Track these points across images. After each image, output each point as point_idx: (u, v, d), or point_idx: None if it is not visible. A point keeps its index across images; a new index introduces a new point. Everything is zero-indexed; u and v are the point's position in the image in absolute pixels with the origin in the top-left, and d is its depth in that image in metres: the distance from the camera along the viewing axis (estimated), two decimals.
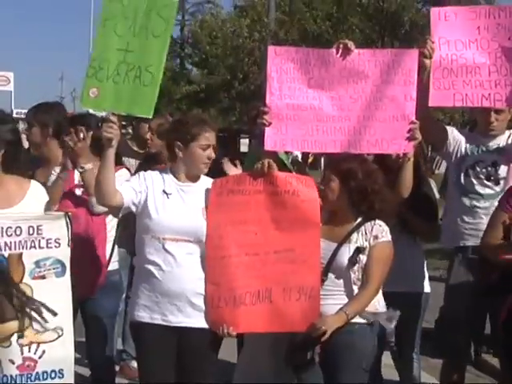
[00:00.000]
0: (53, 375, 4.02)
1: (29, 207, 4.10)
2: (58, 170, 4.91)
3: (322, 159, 4.74)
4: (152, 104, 4.17)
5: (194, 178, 4.32)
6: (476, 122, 5.55)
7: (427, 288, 5.39)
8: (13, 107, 29.28)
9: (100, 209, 4.53)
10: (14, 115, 16.70)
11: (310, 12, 16.99)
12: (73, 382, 4.08)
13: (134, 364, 5.48)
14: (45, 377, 4.00)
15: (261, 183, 4.29)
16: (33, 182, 4.28)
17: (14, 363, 3.92)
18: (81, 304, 5.01)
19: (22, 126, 6.68)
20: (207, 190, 4.31)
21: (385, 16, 16.49)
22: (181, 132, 4.30)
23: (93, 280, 4.90)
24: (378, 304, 4.36)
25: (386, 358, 5.61)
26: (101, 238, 4.91)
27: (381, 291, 4.38)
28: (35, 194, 4.19)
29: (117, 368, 5.63)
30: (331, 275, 4.28)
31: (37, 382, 3.96)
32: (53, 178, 4.97)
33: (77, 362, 5.62)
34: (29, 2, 79.36)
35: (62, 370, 4.06)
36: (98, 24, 4.26)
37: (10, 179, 4.11)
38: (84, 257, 4.89)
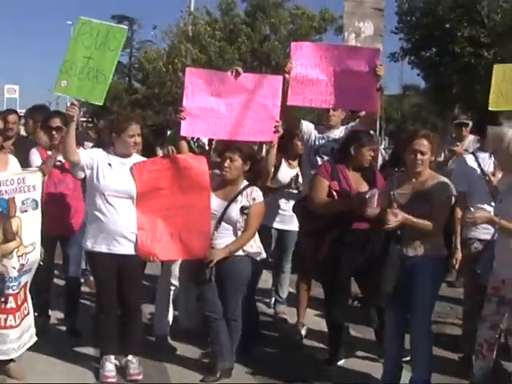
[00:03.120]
0: (28, 272, 4.19)
1: (14, 169, 4.26)
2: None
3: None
4: (103, 96, 4.16)
5: (128, 155, 4.30)
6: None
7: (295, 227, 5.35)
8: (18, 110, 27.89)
9: (80, 175, 4.42)
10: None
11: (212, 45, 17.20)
12: (31, 277, 4.26)
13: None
14: (25, 273, 4.17)
15: (168, 163, 4.30)
16: (10, 155, 4.40)
17: (15, 268, 4.06)
18: (64, 239, 5.06)
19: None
20: None
21: (260, 54, 16.93)
22: (114, 126, 4.31)
23: (80, 223, 4.90)
24: (254, 242, 4.40)
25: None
26: (83, 195, 4.89)
27: (257, 235, 4.43)
28: (15, 162, 4.32)
29: (82, 280, 5.63)
30: (223, 223, 4.30)
31: (21, 277, 4.14)
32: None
33: (56, 276, 5.68)
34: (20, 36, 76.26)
35: (31, 268, 4.20)
36: (72, 37, 4.24)
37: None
38: (75, 207, 5.00)
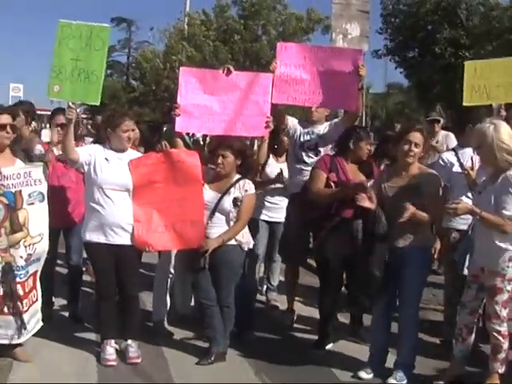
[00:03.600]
0: (36, 261, 4.17)
1: (20, 165, 4.20)
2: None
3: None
4: (98, 95, 4.11)
5: (123, 150, 4.29)
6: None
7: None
8: None
9: (81, 170, 4.38)
10: None
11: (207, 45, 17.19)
12: (41, 266, 4.25)
13: None
14: (33, 263, 4.15)
15: (162, 157, 4.28)
16: (18, 159, 4.30)
17: (22, 258, 4.05)
18: (67, 229, 5.03)
19: None
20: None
21: (251, 53, 16.96)
22: (110, 122, 4.29)
23: (81, 214, 4.78)
24: (246, 233, 4.40)
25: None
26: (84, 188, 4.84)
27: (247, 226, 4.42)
28: (21, 163, 4.24)
29: (83, 269, 5.58)
30: (217, 214, 4.29)
31: (29, 266, 4.13)
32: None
33: (59, 265, 5.65)
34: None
35: (40, 258, 4.19)
36: (55, 42, 4.08)
37: (6, 153, 4.17)
38: (77, 199, 4.93)
